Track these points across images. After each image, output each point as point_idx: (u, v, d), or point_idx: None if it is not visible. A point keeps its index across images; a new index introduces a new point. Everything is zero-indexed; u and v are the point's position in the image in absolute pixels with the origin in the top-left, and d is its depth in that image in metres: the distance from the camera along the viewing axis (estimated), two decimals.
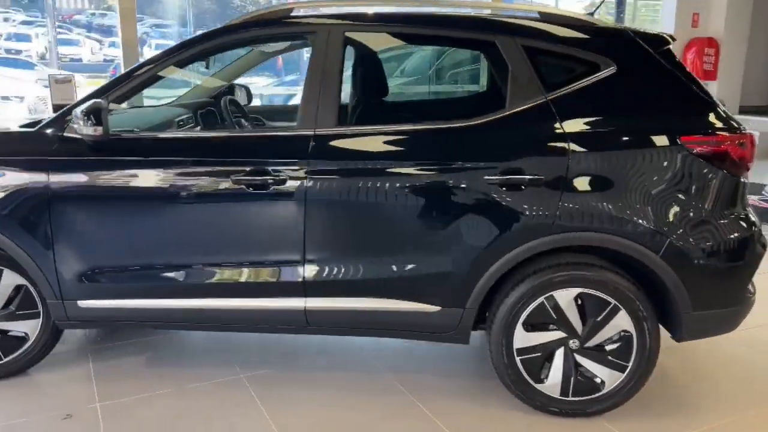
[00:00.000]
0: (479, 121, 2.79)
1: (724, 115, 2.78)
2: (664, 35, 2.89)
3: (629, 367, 2.80)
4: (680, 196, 2.68)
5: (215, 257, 2.91)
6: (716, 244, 2.71)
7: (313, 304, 2.89)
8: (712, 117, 2.76)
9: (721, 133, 2.72)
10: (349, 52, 3.12)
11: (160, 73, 3.00)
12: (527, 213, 2.71)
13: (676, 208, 2.68)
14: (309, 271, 2.86)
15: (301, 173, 2.78)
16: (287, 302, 2.90)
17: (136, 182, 2.88)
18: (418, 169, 2.78)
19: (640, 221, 2.67)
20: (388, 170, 2.79)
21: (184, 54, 2.96)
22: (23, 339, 3.10)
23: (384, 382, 3.17)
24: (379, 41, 3.18)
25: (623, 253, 2.71)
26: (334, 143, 2.85)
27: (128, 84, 2.94)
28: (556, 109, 2.74)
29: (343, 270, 2.88)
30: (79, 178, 2.90)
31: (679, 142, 2.66)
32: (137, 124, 3.18)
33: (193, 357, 3.42)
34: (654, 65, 2.78)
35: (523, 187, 2.70)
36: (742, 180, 2.76)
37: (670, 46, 2.84)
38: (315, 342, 3.50)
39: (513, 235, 2.73)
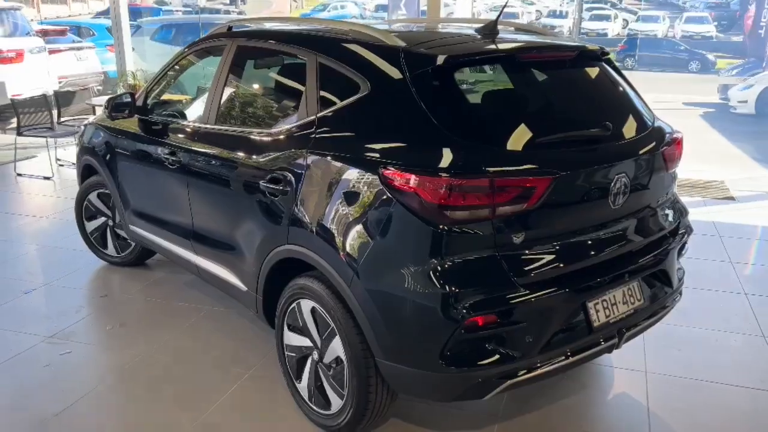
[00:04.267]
0: (273, 130, 3.05)
1: (463, 152, 2.37)
2: (435, 54, 2.56)
3: (345, 398, 2.76)
4: (373, 231, 2.50)
5: (162, 212, 3.95)
6: (394, 294, 2.44)
7: (197, 261, 3.67)
8: (435, 152, 2.41)
9: (420, 170, 2.37)
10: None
11: (172, 74, 4.07)
12: (277, 219, 2.91)
13: (367, 243, 2.52)
14: (193, 234, 3.65)
15: (187, 157, 3.55)
16: (191, 257, 3.75)
17: (134, 150, 4.10)
18: (231, 165, 3.24)
19: (338, 247, 2.60)
20: (214, 164, 3.37)
21: (177, 61, 3.97)
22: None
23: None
24: (253, 55, 3.52)
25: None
26: (198, 137, 3.52)
27: (157, 81, 4.11)
28: (317, 128, 2.81)
29: (203, 237, 3.56)
30: (124, 143, 4.27)
31: (380, 173, 2.47)
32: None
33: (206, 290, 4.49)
34: (399, 89, 2.55)
35: (276, 195, 2.91)
36: (443, 232, 2.35)
37: (436, 66, 2.53)
38: None
39: (271, 238, 2.98)
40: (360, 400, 2.69)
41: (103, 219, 4.79)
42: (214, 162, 3.38)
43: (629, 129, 2.87)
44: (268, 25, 3.62)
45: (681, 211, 3.18)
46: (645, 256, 2.87)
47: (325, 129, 2.79)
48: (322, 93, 2.88)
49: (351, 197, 2.59)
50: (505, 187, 2.38)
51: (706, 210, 6.29)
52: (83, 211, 4.86)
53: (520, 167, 2.43)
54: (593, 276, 2.65)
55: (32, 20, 14.02)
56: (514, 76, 2.90)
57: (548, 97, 2.87)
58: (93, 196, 4.78)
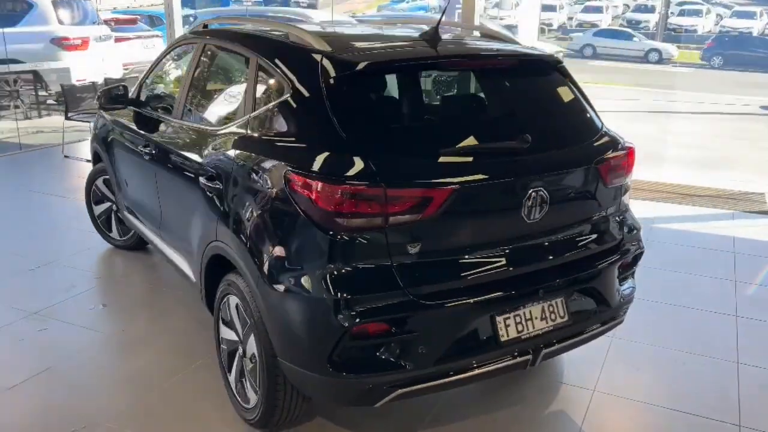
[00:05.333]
0: (216, 128, 3.15)
1: (361, 161, 2.38)
2: (350, 60, 2.56)
3: (258, 394, 2.82)
4: (276, 233, 2.57)
5: (141, 200, 4.13)
6: (290, 296, 2.49)
7: (163, 249, 3.82)
8: (334, 159, 2.44)
9: (316, 176, 2.39)
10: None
11: (158, 68, 4.23)
12: (211, 216, 3.00)
13: (271, 245, 2.58)
14: (160, 223, 3.80)
15: (155, 149, 3.69)
16: (160, 244, 3.90)
17: (123, 140, 4.29)
18: (184, 160, 3.35)
19: (249, 247, 2.66)
20: (173, 158, 3.48)
21: (164, 55, 4.13)
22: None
23: None
24: (213, 55, 3.60)
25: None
26: (165, 131, 3.65)
27: (147, 75, 4.29)
28: (249, 128, 2.87)
29: (166, 226, 3.70)
30: (117, 133, 4.47)
31: (286, 177, 2.50)
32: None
33: None
34: (312, 93, 2.58)
35: (212, 192, 2.99)
36: (335, 239, 2.37)
37: (349, 73, 2.55)
38: None
39: (206, 233, 3.06)
40: (269, 397, 2.74)
41: (108, 204, 5.05)
42: (172, 156, 3.51)
43: (558, 142, 2.78)
44: (238, 25, 3.71)
45: (627, 228, 3.05)
46: (570, 273, 2.77)
47: (253, 129, 2.85)
48: (257, 94, 2.94)
49: (263, 199, 2.64)
50: (399, 197, 2.37)
51: (731, 223, 5.95)
52: (91, 196, 5.13)
53: (417, 178, 2.41)
54: (503, 290, 2.59)
55: (100, 9, 14.71)
56: (441, 83, 2.86)
57: (471, 106, 2.82)
58: (99, 182, 5.04)
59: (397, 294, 2.40)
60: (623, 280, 3.06)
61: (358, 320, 2.36)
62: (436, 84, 2.90)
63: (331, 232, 2.38)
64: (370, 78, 2.62)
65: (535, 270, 2.70)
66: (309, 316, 2.44)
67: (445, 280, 2.49)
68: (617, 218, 3.02)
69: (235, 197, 2.80)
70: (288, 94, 2.72)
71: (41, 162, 7.89)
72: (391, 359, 2.43)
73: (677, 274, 4.73)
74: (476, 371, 2.58)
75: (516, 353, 2.65)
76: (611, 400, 3.26)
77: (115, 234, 5.09)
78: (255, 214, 2.66)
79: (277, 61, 2.86)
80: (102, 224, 5.14)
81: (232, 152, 2.90)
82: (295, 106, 2.68)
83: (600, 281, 2.88)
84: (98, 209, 5.13)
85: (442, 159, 2.49)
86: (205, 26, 3.76)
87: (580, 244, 2.84)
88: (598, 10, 35.31)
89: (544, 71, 2.97)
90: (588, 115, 2.97)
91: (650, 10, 33.57)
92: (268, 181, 2.61)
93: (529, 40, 19.58)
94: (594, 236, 2.89)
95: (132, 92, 4.28)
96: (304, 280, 2.43)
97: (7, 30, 10.14)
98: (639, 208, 6.12)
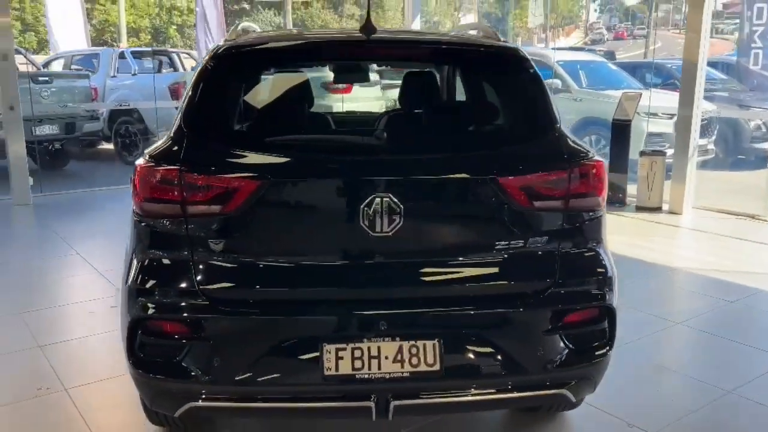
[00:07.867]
0: None
1: (179, 146, 2.27)
2: (221, 49, 2.45)
3: None
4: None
5: None
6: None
7: None
8: (160, 142, 2.39)
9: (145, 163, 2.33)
10: None
11: None
12: None
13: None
14: None
15: None
16: None
17: None
18: None
19: None
20: None
21: None
22: None
23: None
24: None
25: None
26: None
27: None
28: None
29: None
30: None
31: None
32: None
33: None
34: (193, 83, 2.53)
35: None
36: (141, 224, 2.28)
37: (214, 59, 2.44)
38: None
39: None
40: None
41: None
42: None
43: (444, 145, 2.24)
44: None
45: (576, 270, 2.28)
46: (446, 310, 2.18)
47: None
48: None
49: None
50: (198, 186, 2.17)
51: None
52: None
53: (223, 167, 2.20)
54: (331, 313, 2.17)
55: None
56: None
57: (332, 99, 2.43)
58: None
59: (192, 294, 2.19)
60: (572, 340, 2.27)
61: (148, 312, 2.21)
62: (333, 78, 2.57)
63: (137, 217, 2.31)
64: (237, 67, 2.45)
65: (386, 298, 2.18)
66: (121, 302, 2.36)
67: (251, 288, 2.19)
68: (558, 253, 2.28)
69: None
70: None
71: None
72: (183, 366, 2.20)
73: None
74: (295, 404, 2.19)
75: (349, 395, 2.16)
76: None
77: None
78: None
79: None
80: None
81: None
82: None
83: (501, 332, 2.21)
84: None
85: (262, 151, 2.22)
86: None
87: (468, 276, 2.21)
88: None
89: (484, 66, 2.44)
90: (523, 122, 2.33)
91: None
92: None
93: None
94: (498, 270, 2.23)
95: None
96: (123, 269, 2.37)
97: None
98: None
